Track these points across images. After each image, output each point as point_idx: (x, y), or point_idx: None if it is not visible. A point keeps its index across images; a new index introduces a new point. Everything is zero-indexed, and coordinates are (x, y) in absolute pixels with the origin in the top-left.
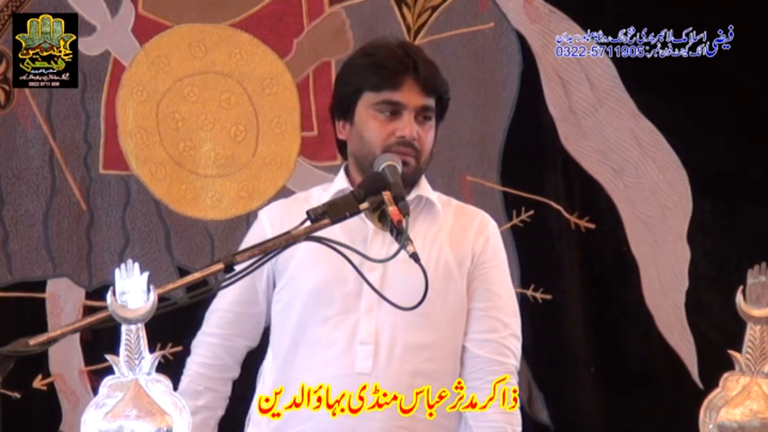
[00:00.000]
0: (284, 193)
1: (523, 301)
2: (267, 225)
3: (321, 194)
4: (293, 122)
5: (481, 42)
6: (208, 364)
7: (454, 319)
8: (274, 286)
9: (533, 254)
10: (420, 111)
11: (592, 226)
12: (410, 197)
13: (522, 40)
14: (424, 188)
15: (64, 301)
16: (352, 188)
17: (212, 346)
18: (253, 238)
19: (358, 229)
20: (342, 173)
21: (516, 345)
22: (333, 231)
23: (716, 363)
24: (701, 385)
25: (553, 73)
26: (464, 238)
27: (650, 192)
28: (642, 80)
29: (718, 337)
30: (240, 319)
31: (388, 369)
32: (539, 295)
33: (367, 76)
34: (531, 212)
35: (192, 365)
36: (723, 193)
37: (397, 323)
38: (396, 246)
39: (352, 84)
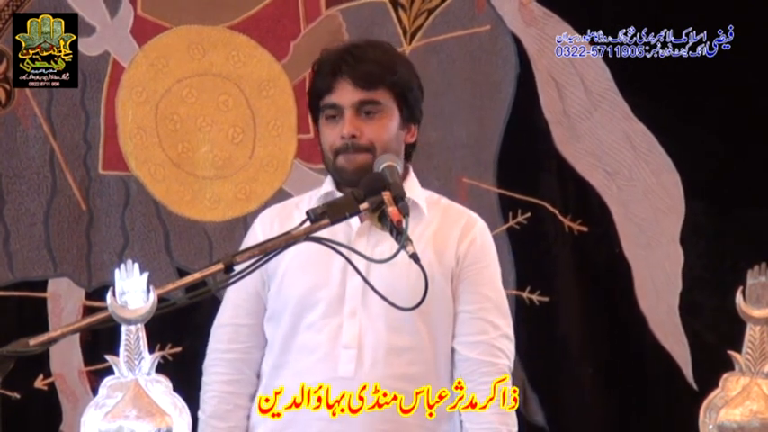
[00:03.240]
0: (281, 195)
1: (519, 303)
2: (260, 231)
3: (312, 199)
4: (290, 125)
5: (477, 45)
6: (233, 380)
7: (436, 321)
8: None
9: (529, 256)
10: (359, 106)
11: (585, 229)
12: None
13: (518, 42)
14: (410, 189)
15: (65, 301)
16: (338, 192)
17: (233, 362)
18: (247, 245)
19: (342, 233)
20: (329, 177)
21: (508, 345)
22: (318, 234)
23: (710, 364)
24: (695, 386)
25: (548, 76)
26: (448, 240)
27: (643, 194)
28: (637, 82)
29: (712, 338)
30: (255, 331)
31: (372, 373)
32: (535, 297)
33: (312, 86)
34: (528, 215)
35: (216, 385)
36: (716, 195)
37: (380, 327)
38: (381, 249)
39: (310, 96)
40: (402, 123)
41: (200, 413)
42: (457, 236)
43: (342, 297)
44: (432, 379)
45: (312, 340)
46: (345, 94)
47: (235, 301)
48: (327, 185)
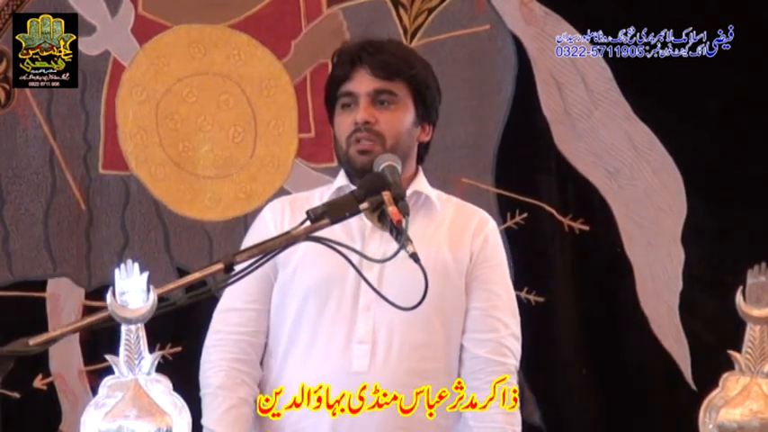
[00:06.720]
0: (281, 194)
1: (517, 304)
2: (270, 220)
3: (324, 194)
4: (291, 124)
5: (477, 44)
6: (239, 359)
7: (451, 318)
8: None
9: (527, 256)
10: (375, 95)
11: (586, 228)
12: (407, 193)
13: (517, 42)
14: (420, 184)
15: (64, 301)
16: (352, 185)
17: (239, 343)
18: (254, 233)
19: (357, 226)
20: (342, 172)
21: (516, 345)
22: (332, 227)
23: (709, 364)
24: (693, 387)
25: (548, 75)
26: (462, 237)
27: (644, 193)
28: (638, 81)
29: (712, 338)
30: (262, 316)
31: (385, 368)
32: (532, 297)
33: (330, 76)
34: (525, 215)
35: (222, 362)
36: (717, 195)
37: (394, 322)
38: (394, 243)
39: (327, 86)
40: (417, 120)
41: (203, 389)
42: (471, 234)
43: (357, 291)
44: (444, 375)
45: (325, 333)
46: (362, 82)
47: (242, 285)
48: (341, 179)
